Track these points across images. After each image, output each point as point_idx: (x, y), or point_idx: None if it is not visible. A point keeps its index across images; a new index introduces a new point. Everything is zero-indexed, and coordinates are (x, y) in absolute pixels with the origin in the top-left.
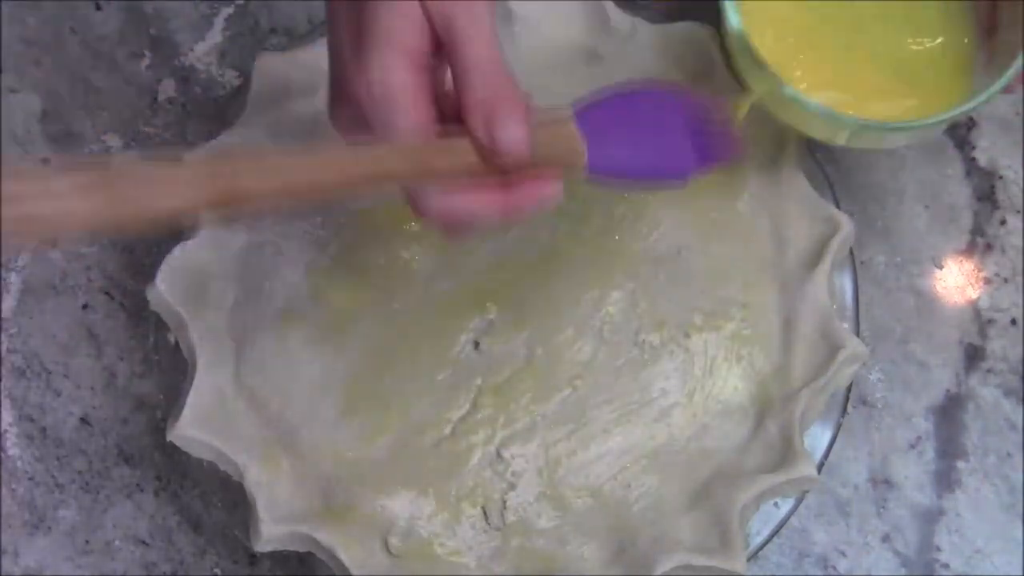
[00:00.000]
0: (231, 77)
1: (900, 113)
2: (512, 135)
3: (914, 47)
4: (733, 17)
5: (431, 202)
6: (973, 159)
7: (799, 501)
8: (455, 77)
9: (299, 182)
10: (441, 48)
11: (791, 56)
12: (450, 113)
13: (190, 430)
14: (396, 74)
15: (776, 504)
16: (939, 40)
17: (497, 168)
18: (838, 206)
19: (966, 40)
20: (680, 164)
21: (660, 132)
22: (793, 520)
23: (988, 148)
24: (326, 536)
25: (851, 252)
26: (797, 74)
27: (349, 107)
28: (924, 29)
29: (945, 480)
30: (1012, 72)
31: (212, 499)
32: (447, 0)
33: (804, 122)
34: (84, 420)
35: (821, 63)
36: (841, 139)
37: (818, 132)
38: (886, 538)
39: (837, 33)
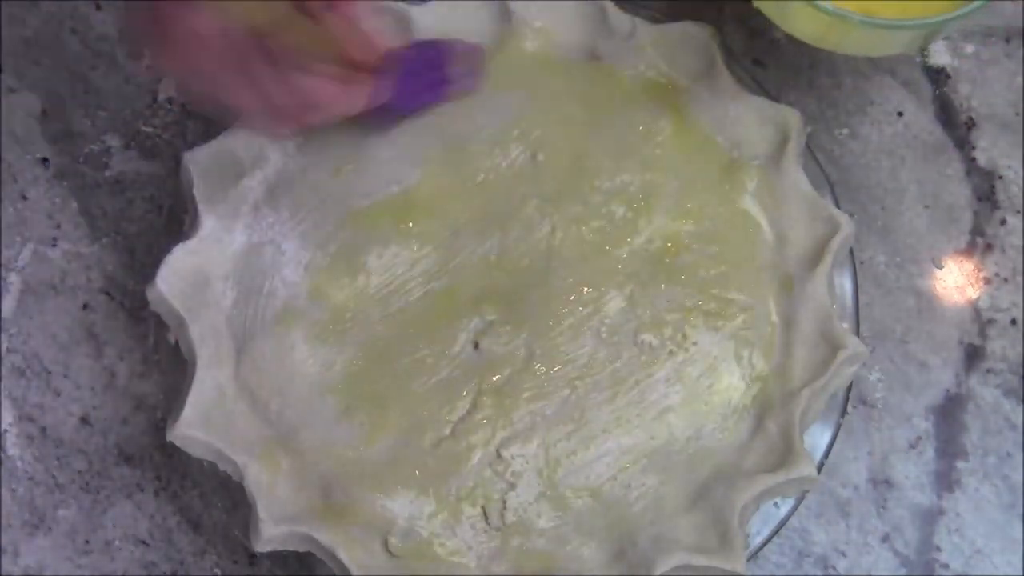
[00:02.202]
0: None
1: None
2: (371, 40)
3: None
4: None
5: (299, 80)
6: (973, 159)
7: (799, 501)
8: None
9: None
10: None
11: None
12: None
13: (190, 430)
14: None
15: (776, 504)
16: None
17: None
18: (838, 206)
19: None
20: (443, 92)
21: (436, 76)
22: (793, 520)
23: (988, 148)
24: (326, 536)
25: (851, 252)
26: None
27: None
28: None
29: (945, 480)
30: None
31: (212, 499)
32: None
33: (794, 18)
34: (84, 420)
35: None
36: (835, 39)
37: (809, 29)
38: (886, 538)
39: None
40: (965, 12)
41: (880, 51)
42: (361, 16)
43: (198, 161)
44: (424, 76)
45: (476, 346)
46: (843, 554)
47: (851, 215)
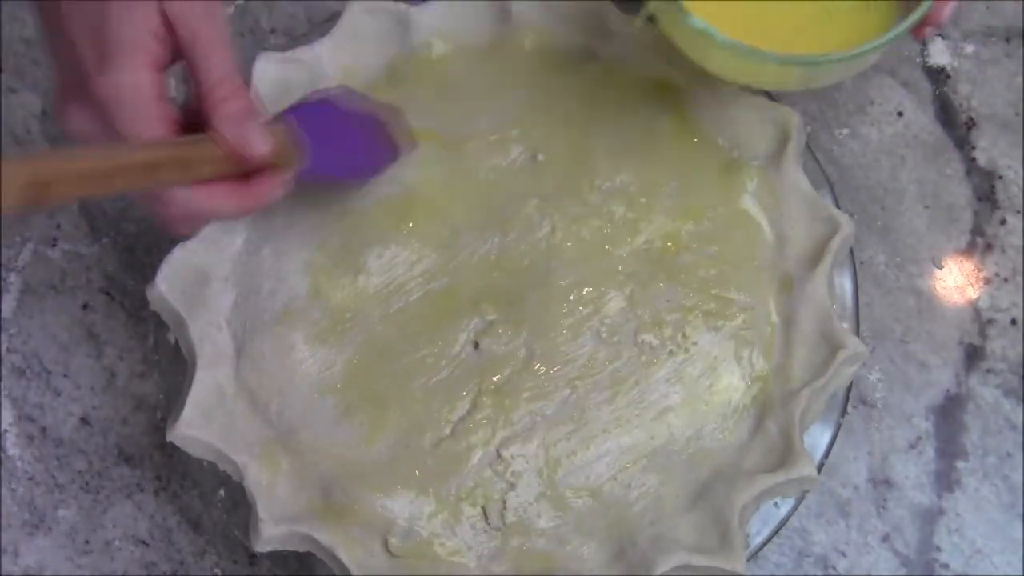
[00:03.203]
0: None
1: (820, 48)
2: (260, 140)
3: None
4: None
5: (180, 202)
6: (973, 159)
7: (799, 501)
8: (200, 84)
9: (88, 170)
10: (179, 56)
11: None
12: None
13: (190, 430)
14: (143, 77)
15: (776, 504)
16: None
17: (240, 166)
18: (838, 206)
19: None
20: (372, 164)
21: (355, 136)
22: (793, 520)
23: (988, 148)
24: (326, 536)
25: (851, 252)
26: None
27: (87, 108)
28: None
29: (945, 480)
30: (923, 9)
31: (212, 499)
32: (189, 12)
33: (717, 62)
34: (84, 420)
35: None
36: (759, 77)
37: (735, 73)
38: (886, 538)
39: None
40: (823, 59)
41: (752, 80)
42: (243, 119)
43: None
44: (334, 137)
45: (476, 346)
46: (843, 554)
47: (851, 215)
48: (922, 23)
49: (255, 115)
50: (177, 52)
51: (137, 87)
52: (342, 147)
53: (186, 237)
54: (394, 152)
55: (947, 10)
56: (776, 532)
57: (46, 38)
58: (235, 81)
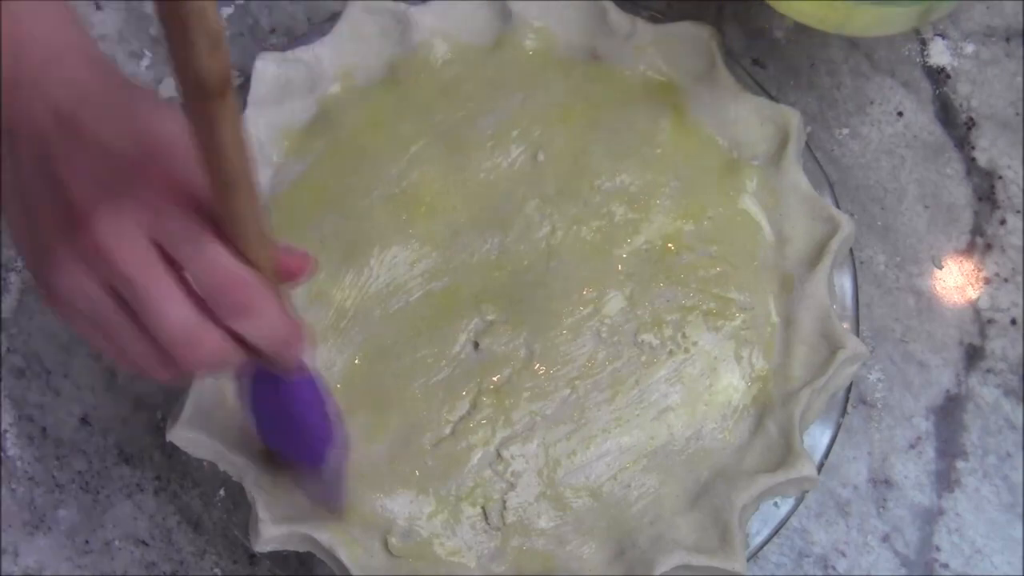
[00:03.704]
0: (231, 77)
1: None
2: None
3: None
4: None
5: (238, 267)
6: (973, 159)
7: (799, 501)
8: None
9: None
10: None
11: None
12: None
13: (190, 430)
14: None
15: (776, 504)
16: None
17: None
18: (838, 206)
19: None
20: (318, 452)
21: (304, 422)
22: (793, 520)
23: (988, 148)
24: (326, 536)
25: (851, 252)
26: None
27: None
28: None
29: (945, 480)
30: None
31: (212, 499)
32: None
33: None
34: (84, 420)
35: None
36: (837, 20)
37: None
38: (886, 538)
39: None
40: None
41: (880, 30)
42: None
43: None
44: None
45: (476, 346)
46: (843, 554)
47: (851, 215)
48: None
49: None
50: None
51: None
52: (288, 429)
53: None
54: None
55: None
56: (776, 532)
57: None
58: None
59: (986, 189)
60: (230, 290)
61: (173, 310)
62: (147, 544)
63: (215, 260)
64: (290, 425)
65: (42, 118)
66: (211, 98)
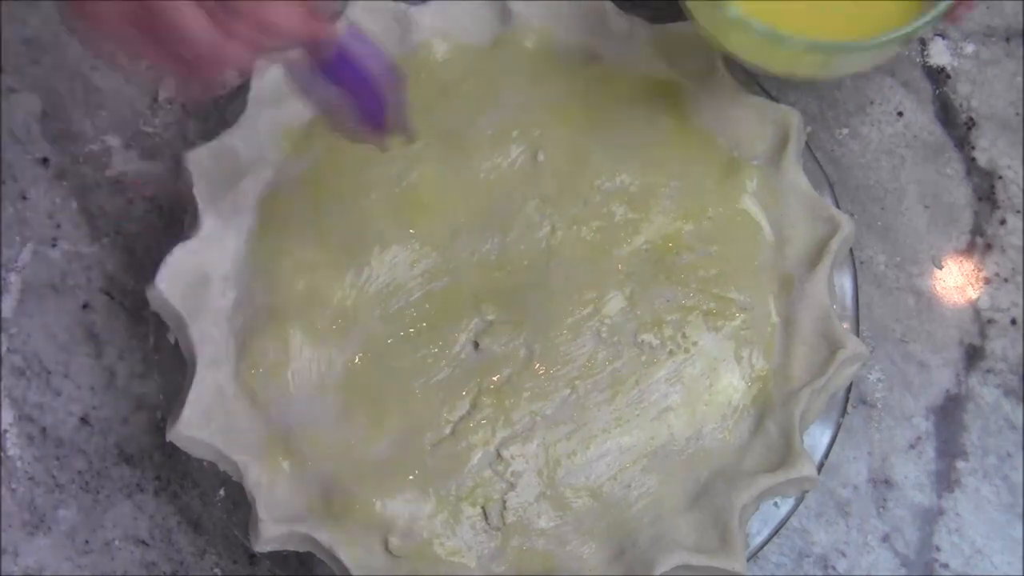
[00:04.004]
0: (231, 77)
1: (847, 35)
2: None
3: None
4: None
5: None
6: (973, 159)
7: (799, 501)
8: None
9: None
10: None
11: None
12: None
13: (190, 430)
14: None
15: (776, 504)
16: None
17: None
18: (838, 206)
19: None
20: (376, 117)
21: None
22: (793, 520)
23: (988, 148)
24: (326, 536)
25: (851, 252)
26: None
27: None
28: None
29: (945, 480)
30: (941, 8)
31: (212, 499)
32: None
33: (744, 46)
34: (84, 420)
35: None
36: (782, 65)
37: (757, 56)
38: (886, 538)
39: None
40: (877, 42)
41: (827, 74)
42: None
43: (198, 161)
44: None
45: (476, 346)
46: (843, 554)
47: (851, 215)
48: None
49: None
50: None
51: None
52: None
53: (186, 237)
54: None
55: (967, 9)
56: (776, 532)
57: None
58: None
59: (986, 189)
60: (244, 10)
61: (195, 32)
62: (147, 544)
63: None
64: (351, 87)
65: None
66: None
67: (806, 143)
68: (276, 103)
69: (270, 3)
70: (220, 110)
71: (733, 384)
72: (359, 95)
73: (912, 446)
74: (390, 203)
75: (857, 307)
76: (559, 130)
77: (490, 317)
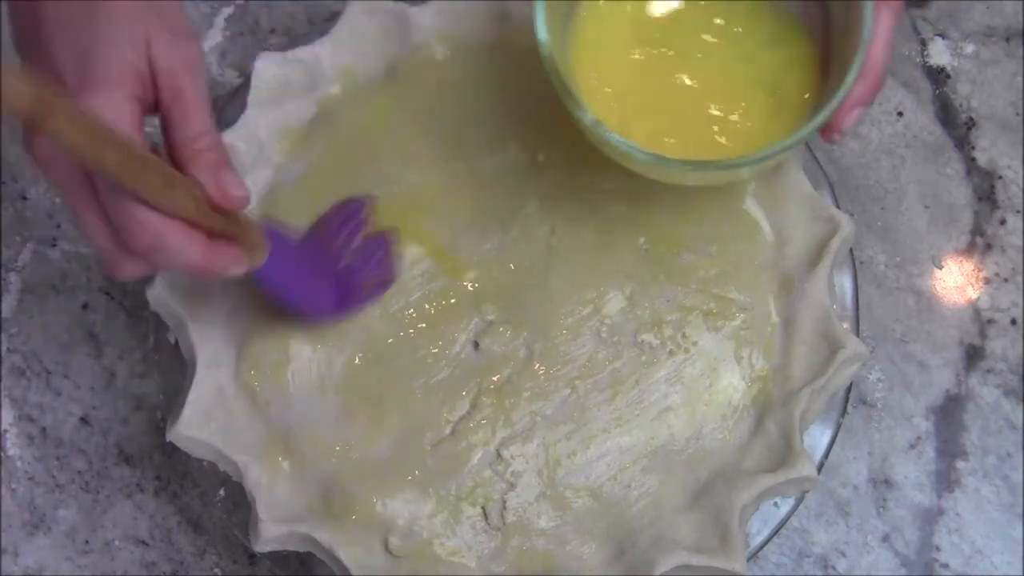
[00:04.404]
0: (231, 77)
1: (714, 153)
2: (237, 185)
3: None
4: (540, 30)
5: (150, 226)
6: (973, 159)
7: (799, 501)
8: (176, 137)
9: (91, 126)
10: (157, 108)
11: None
12: None
13: (190, 430)
14: (125, 107)
15: (776, 504)
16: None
17: (212, 216)
18: (838, 206)
19: (805, 92)
20: (326, 306)
21: (321, 274)
22: (793, 520)
23: (988, 148)
24: (326, 536)
25: (851, 252)
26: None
27: None
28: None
29: (945, 480)
30: (819, 119)
31: (212, 499)
32: (175, 65)
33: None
34: (84, 420)
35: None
36: (652, 174)
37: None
38: (886, 538)
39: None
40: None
41: (717, 182)
42: (222, 174)
43: None
44: (314, 266)
45: (476, 346)
46: (843, 554)
47: (851, 215)
48: (827, 127)
49: (232, 168)
50: (154, 105)
51: (119, 115)
52: (303, 277)
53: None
54: (374, 288)
55: (852, 116)
56: (776, 532)
57: (18, 44)
58: (214, 136)
59: (986, 189)
60: (138, 236)
61: (97, 238)
62: (147, 544)
63: (128, 210)
64: (296, 287)
65: None
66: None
67: (806, 143)
68: (276, 103)
69: (168, 228)
70: (220, 110)
71: (733, 384)
72: (308, 288)
73: (912, 446)
74: (390, 203)
75: (857, 307)
76: (558, 130)
77: (490, 317)
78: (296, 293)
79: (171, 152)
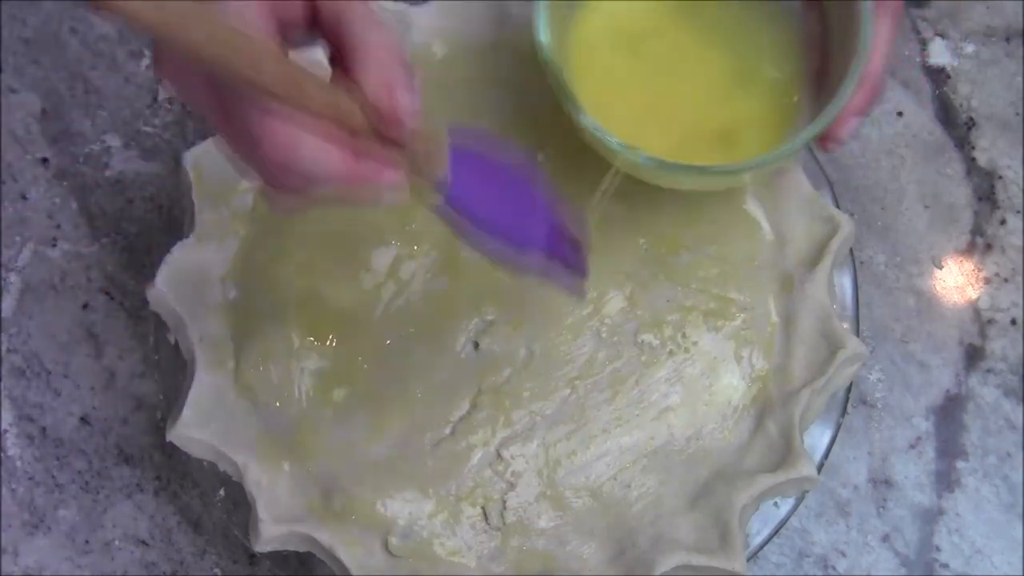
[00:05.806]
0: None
1: (712, 159)
2: (409, 102)
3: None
4: (540, 31)
5: (281, 138)
6: (973, 159)
7: (799, 501)
8: (352, 55)
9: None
10: (314, 28)
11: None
12: None
13: (190, 430)
14: (262, 15)
15: (776, 504)
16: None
17: (370, 129)
18: (838, 206)
19: (795, 98)
20: (528, 241)
21: (520, 207)
22: (793, 520)
23: (988, 148)
24: (326, 536)
25: (851, 252)
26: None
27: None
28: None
29: (945, 480)
30: (818, 127)
31: (212, 499)
32: None
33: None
34: (84, 420)
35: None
36: (640, 172)
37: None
38: (886, 538)
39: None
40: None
41: (711, 187)
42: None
43: (198, 161)
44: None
45: (476, 346)
46: (843, 554)
47: (851, 215)
48: (825, 137)
49: (409, 84)
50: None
51: (255, 20)
52: (496, 200)
53: (186, 237)
54: (568, 259)
55: (850, 126)
56: (776, 532)
57: None
58: (391, 54)
59: (986, 189)
60: (273, 149)
61: (246, 158)
62: (147, 544)
63: (258, 121)
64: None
65: None
66: None
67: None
68: None
69: (301, 137)
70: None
71: (733, 384)
72: (507, 225)
73: (912, 446)
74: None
75: (857, 307)
76: (558, 130)
77: (490, 317)
78: (497, 214)
79: (341, 59)
